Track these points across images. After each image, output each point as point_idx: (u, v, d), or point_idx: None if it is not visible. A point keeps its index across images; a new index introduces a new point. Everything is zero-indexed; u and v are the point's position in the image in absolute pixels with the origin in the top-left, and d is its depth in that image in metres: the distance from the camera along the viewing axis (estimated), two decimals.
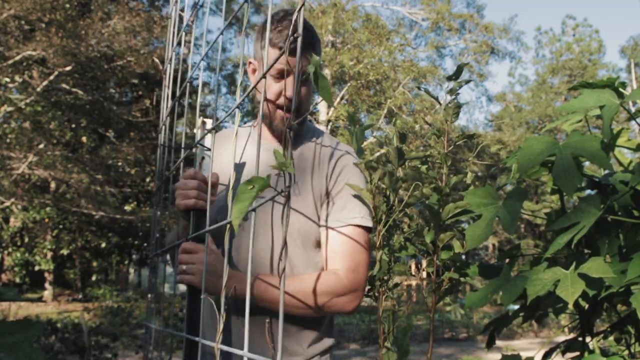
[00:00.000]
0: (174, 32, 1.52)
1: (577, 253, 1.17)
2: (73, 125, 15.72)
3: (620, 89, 1.09)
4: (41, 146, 14.12)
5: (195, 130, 1.28)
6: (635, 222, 1.12)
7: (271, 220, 1.35)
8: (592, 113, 1.25)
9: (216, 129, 1.10)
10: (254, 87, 0.86)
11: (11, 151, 13.69)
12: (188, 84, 1.22)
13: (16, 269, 16.96)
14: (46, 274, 17.86)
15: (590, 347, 1.21)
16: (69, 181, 14.79)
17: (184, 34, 1.39)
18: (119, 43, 14.06)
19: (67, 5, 13.62)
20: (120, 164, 16.33)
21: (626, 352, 1.32)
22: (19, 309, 14.12)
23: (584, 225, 1.04)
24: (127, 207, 16.84)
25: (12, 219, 16.52)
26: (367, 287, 1.71)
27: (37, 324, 0.81)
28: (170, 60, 1.51)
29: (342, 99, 18.69)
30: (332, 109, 18.09)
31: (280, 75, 1.33)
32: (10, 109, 13.76)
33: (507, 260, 1.36)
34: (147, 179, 17.39)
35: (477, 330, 12.83)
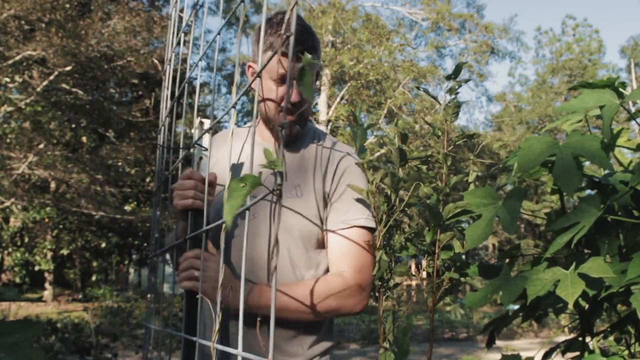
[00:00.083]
0: (173, 33, 1.52)
1: (577, 253, 1.17)
2: (73, 125, 15.72)
3: (620, 89, 1.09)
4: (41, 146, 14.11)
5: (193, 131, 1.28)
6: (635, 222, 1.12)
7: (270, 223, 1.35)
8: (592, 113, 1.25)
9: (213, 128, 1.10)
10: (249, 86, 0.86)
11: (11, 151, 13.69)
12: (189, 84, 1.22)
13: (16, 269, 16.96)
14: (46, 274, 17.86)
15: (590, 347, 1.21)
16: (69, 181, 14.79)
17: (183, 34, 1.39)
18: (119, 43, 14.06)
19: (67, 5, 13.62)
20: (120, 164, 16.33)
21: (626, 352, 1.32)
22: (19, 309, 14.12)
23: (584, 225, 1.04)
24: (127, 207, 16.84)
25: (12, 219, 16.52)
26: None
27: (37, 324, 0.81)
28: (170, 60, 1.51)
29: (342, 99, 18.70)
30: (332, 108, 18.09)
31: (282, 80, 1.33)
32: (10, 109, 13.76)
33: (507, 260, 1.36)
34: (147, 179, 17.39)
35: (477, 330, 12.83)
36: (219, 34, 1.03)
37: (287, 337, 1.36)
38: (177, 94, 1.36)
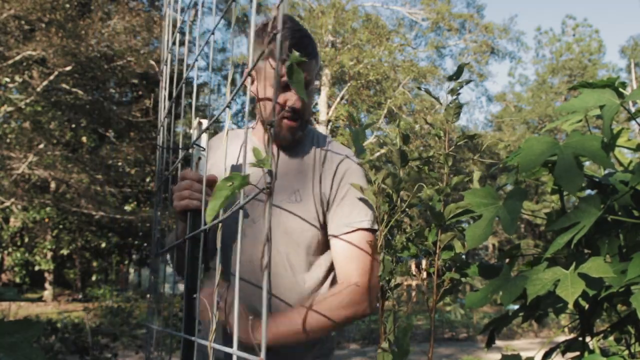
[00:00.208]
0: (169, 33, 1.52)
1: (577, 253, 1.17)
2: (73, 125, 15.73)
3: (621, 89, 1.09)
4: (41, 146, 14.12)
5: (191, 131, 1.28)
6: (635, 222, 1.12)
7: (269, 227, 1.35)
8: (592, 113, 1.25)
9: (211, 128, 1.10)
10: (241, 85, 0.86)
11: (11, 151, 13.69)
12: (188, 84, 1.22)
13: (16, 269, 16.96)
14: (46, 274, 17.86)
15: (590, 347, 1.21)
16: (69, 181, 14.79)
17: (178, 34, 1.39)
18: (119, 43, 14.06)
19: (67, 5, 13.62)
20: (120, 164, 16.33)
21: (626, 352, 1.32)
22: (19, 309, 14.12)
23: (584, 225, 1.04)
24: (127, 207, 16.84)
25: (12, 219, 16.52)
26: None
27: (37, 324, 0.81)
28: (166, 61, 1.50)
29: (342, 99, 18.70)
30: (332, 108, 18.09)
31: (283, 87, 1.33)
32: (10, 109, 13.76)
33: (507, 260, 1.36)
34: (147, 179, 17.39)
35: (477, 330, 12.83)
36: (212, 33, 1.03)
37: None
38: (174, 94, 1.36)
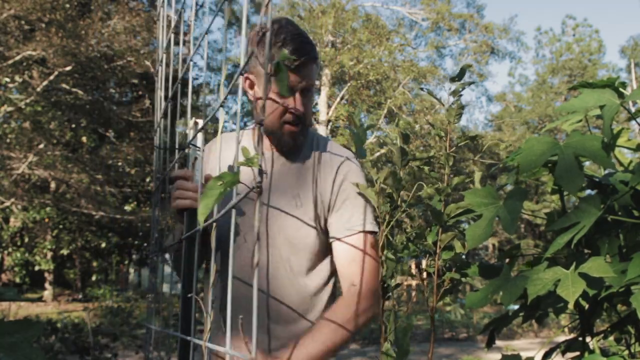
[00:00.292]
0: (163, 33, 1.52)
1: (577, 253, 1.17)
2: (73, 125, 15.72)
3: (621, 89, 1.09)
4: (41, 146, 14.12)
5: (187, 131, 1.28)
6: (635, 222, 1.12)
7: (267, 230, 1.35)
8: (592, 113, 1.25)
9: (209, 128, 1.10)
10: (232, 83, 0.85)
11: (11, 151, 13.69)
12: (188, 84, 1.22)
13: (16, 269, 16.95)
14: (46, 274, 17.85)
15: (590, 347, 1.21)
16: (69, 181, 14.79)
17: (173, 34, 1.38)
18: (119, 43, 14.06)
19: (67, 5, 13.62)
20: (120, 164, 16.32)
21: (626, 352, 1.32)
22: (19, 309, 14.12)
23: (584, 225, 1.04)
24: (127, 207, 16.85)
25: (12, 219, 16.52)
26: None
27: (37, 324, 0.81)
28: (161, 61, 1.50)
29: (342, 99, 18.70)
30: (332, 108, 18.09)
31: (289, 92, 1.32)
32: (10, 109, 13.76)
33: (507, 260, 1.36)
34: (147, 179, 17.38)
35: (477, 330, 12.83)
36: (207, 33, 1.03)
37: (296, 338, 1.35)
38: (170, 94, 1.35)
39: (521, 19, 67.07)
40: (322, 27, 17.18)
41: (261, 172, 0.68)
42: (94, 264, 19.84)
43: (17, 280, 17.12)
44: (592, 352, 1.17)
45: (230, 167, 1.40)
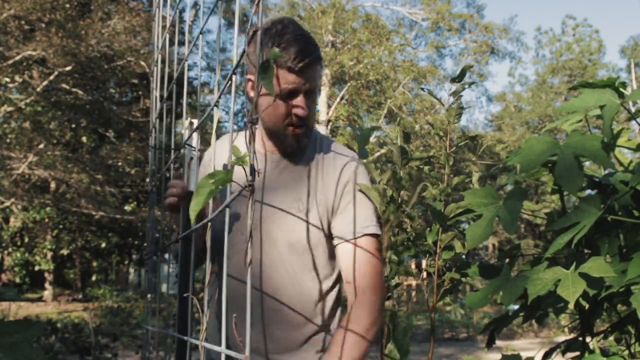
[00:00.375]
0: (159, 33, 1.51)
1: (577, 253, 1.17)
2: (73, 125, 15.72)
3: (621, 89, 1.09)
4: (41, 146, 14.11)
5: (183, 131, 1.27)
6: (636, 222, 1.12)
7: (260, 232, 1.34)
8: (593, 113, 1.25)
9: (201, 129, 1.10)
10: (226, 84, 0.84)
11: (11, 151, 13.69)
12: (185, 84, 1.22)
13: (16, 269, 16.95)
14: (46, 274, 17.85)
15: (591, 347, 1.21)
16: (69, 181, 14.78)
17: (168, 34, 1.38)
18: (119, 43, 14.06)
19: (67, 5, 13.62)
20: (120, 164, 16.32)
21: (626, 352, 1.32)
22: (19, 309, 14.12)
23: (584, 225, 1.04)
24: (127, 207, 16.84)
25: (12, 219, 16.51)
26: None
27: (37, 324, 0.81)
28: (157, 61, 1.50)
29: (342, 99, 18.70)
30: (332, 108, 18.09)
31: (289, 95, 1.30)
32: (10, 109, 13.76)
33: (507, 260, 1.36)
34: (147, 179, 17.38)
35: (477, 330, 12.83)
36: (201, 32, 1.03)
37: (298, 342, 1.35)
38: (166, 94, 1.35)
39: (521, 19, 67.07)
40: (322, 27, 17.18)
41: (253, 171, 0.68)
42: (94, 264, 19.84)
43: (17, 280, 17.12)
44: (592, 352, 1.17)
45: (225, 166, 1.39)
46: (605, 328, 1.28)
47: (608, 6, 67.19)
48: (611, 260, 1.13)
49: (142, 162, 16.48)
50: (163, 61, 1.44)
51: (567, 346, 1.30)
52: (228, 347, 1.18)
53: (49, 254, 17.38)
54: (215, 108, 0.89)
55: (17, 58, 13.22)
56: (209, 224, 0.84)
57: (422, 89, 1.62)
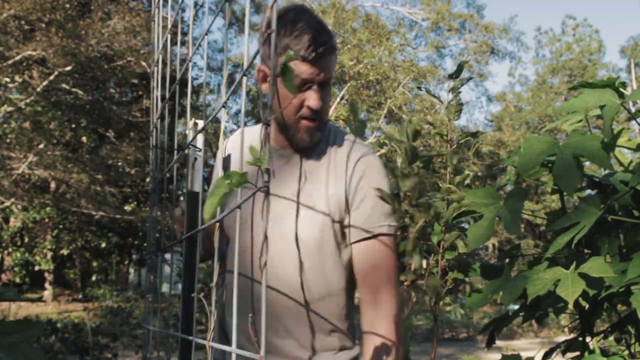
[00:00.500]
0: (159, 33, 1.51)
1: (577, 253, 1.17)
2: (73, 125, 15.72)
3: (621, 89, 1.09)
4: (41, 146, 14.11)
5: (187, 131, 1.27)
6: (635, 222, 1.12)
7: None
8: (593, 113, 1.25)
9: (209, 128, 1.09)
10: (236, 85, 0.83)
11: (11, 151, 13.69)
12: (190, 85, 1.22)
13: (16, 269, 16.95)
14: (46, 274, 17.85)
15: (590, 347, 1.21)
16: (69, 181, 14.79)
17: (169, 35, 1.38)
18: (119, 43, 14.06)
19: (67, 5, 13.62)
20: (120, 164, 16.32)
21: (626, 352, 1.32)
22: (19, 309, 14.12)
23: (584, 225, 1.04)
24: (127, 207, 16.84)
25: (12, 219, 16.52)
26: None
27: (37, 324, 0.81)
28: (157, 62, 1.50)
29: (342, 99, 18.70)
30: (332, 108, 18.09)
31: (302, 86, 1.24)
32: (10, 109, 13.76)
33: (507, 260, 1.36)
34: (147, 179, 17.37)
35: (477, 330, 12.83)
36: (206, 33, 1.03)
37: (309, 345, 1.31)
38: (168, 94, 1.35)
39: (521, 19, 67.05)
40: None
41: (268, 172, 0.66)
42: (94, 264, 19.84)
43: (17, 280, 17.12)
44: (592, 352, 1.17)
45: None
46: (605, 328, 1.28)
47: (608, 6, 67.19)
48: (611, 260, 1.14)
49: (142, 162, 16.48)
50: (164, 61, 1.44)
51: (567, 346, 1.30)
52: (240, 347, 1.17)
53: (49, 254, 17.38)
54: (222, 109, 0.88)
55: (17, 58, 13.23)
56: (217, 224, 0.83)
57: (420, 87, 1.62)
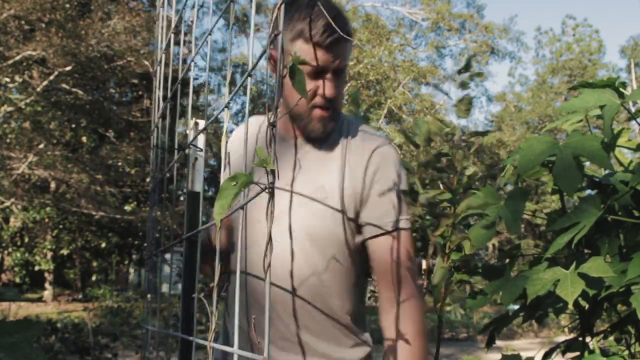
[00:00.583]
0: (163, 33, 1.51)
1: (577, 253, 1.17)
2: (73, 125, 15.73)
3: (621, 89, 1.09)
4: (41, 146, 14.12)
5: (187, 131, 1.27)
6: (636, 222, 1.12)
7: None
8: (593, 113, 1.25)
9: (209, 128, 1.09)
10: (240, 86, 0.82)
11: (11, 151, 13.70)
12: (191, 85, 1.22)
13: (16, 269, 16.96)
14: (46, 274, 17.86)
15: (590, 347, 1.21)
16: (69, 181, 14.79)
17: (172, 35, 1.38)
18: (119, 43, 14.07)
19: (67, 5, 13.62)
20: (120, 164, 16.33)
21: (626, 352, 1.32)
22: (19, 309, 14.12)
23: (584, 225, 1.04)
24: (127, 207, 16.84)
25: (12, 219, 16.52)
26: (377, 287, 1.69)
27: (37, 324, 0.81)
28: (160, 61, 1.50)
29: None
30: None
31: (316, 73, 1.19)
32: (10, 109, 13.76)
33: (507, 260, 1.36)
34: (147, 179, 17.38)
35: (477, 330, 12.83)
36: (210, 33, 1.03)
37: (324, 340, 1.26)
38: (169, 94, 1.34)
39: (521, 19, 67.08)
40: None
41: (274, 174, 0.65)
42: (94, 264, 19.84)
43: (17, 280, 17.12)
44: (592, 352, 1.17)
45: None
46: (605, 328, 1.28)
47: (608, 6, 67.20)
48: (611, 260, 1.14)
49: (142, 162, 16.49)
50: (166, 61, 1.44)
51: (567, 346, 1.30)
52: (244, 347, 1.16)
53: (49, 254, 17.39)
54: (225, 110, 0.88)
55: (17, 58, 13.23)
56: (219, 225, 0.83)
57: (436, 85, 1.62)
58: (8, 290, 0.95)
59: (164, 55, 1.48)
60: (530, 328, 13.39)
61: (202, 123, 1.26)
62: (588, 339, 1.23)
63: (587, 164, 1.24)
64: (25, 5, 12.64)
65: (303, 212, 1.23)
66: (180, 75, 1.22)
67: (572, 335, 1.32)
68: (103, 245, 18.05)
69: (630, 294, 1.01)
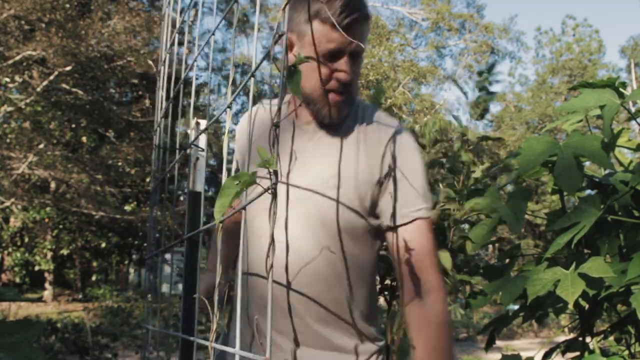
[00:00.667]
0: (168, 33, 1.51)
1: (577, 253, 1.17)
2: (73, 125, 15.72)
3: (621, 89, 1.09)
4: (41, 146, 14.12)
5: (189, 131, 1.26)
6: (635, 222, 1.12)
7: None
8: (593, 113, 1.26)
9: (209, 128, 1.09)
10: (244, 85, 0.81)
11: (11, 151, 13.69)
12: (194, 85, 1.22)
13: (16, 269, 16.96)
14: (46, 274, 17.85)
15: (590, 347, 1.21)
16: (69, 181, 14.79)
17: (177, 35, 1.38)
18: (119, 43, 14.06)
19: (67, 5, 13.62)
20: (120, 164, 16.32)
21: (626, 352, 1.32)
22: (19, 309, 14.11)
23: (584, 225, 1.04)
24: (127, 207, 16.84)
25: (12, 219, 16.52)
26: (379, 287, 1.69)
27: (37, 324, 0.81)
28: (164, 61, 1.50)
29: None
30: None
31: (331, 56, 1.14)
32: (10, 109, 13.76)
33: (507, 260, 1.36)
34: (147, 179, 17.37)
35: (477, 330, 12.83)
36: (213, 33, 1.03)
37: (338, 332, 1.21)
38: (172, 94, 1.34)
39: (521, 19, 67.06)
40: None
41: (277, 175, 0.64)
42: (94, 264, 19.84)
43: (17, 280, 17.12)
44: (592, 352, 1.17)
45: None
46: (605, 328, 1.28)
47: (608, 6, 67.17)
48: (611, 260, 1.14)
49: (142, 162, 16.48)
50: (171, 60, 1.44)
51: (567, 346, 1.31)
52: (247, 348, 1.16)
53: (49, 254, 17.39)
54: (227, 110, 0.88)
55: (17, 58, 13.22)
56: (220, 225, 0.82)
57: (455, 81, 1.62)
58: (8, 290, 0.95)
59: (168, 55, 1.48)
60: (530, 328, 13.38)
61: (203, 123, 1.25)
62: (588, 339, 1.23)
63: (587, 163, 1.24)
64: (25, 5, 12.64)
65: (316, 200, 1.19)
66: (182, 75, 1.22)
67: (572, 335, 1.32)
68: (103, 245, 18.05)
69: (630, 294, 1.01)
